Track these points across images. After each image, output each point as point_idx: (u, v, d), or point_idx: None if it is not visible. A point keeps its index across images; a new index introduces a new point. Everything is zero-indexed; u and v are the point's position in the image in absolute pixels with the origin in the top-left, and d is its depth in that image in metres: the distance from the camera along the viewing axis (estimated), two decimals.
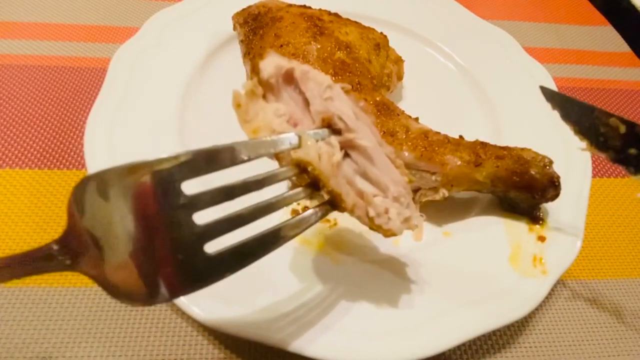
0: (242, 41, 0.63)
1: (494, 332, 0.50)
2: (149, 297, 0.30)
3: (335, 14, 0.64)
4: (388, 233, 0.40)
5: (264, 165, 0.37)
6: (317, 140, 0.38)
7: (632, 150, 0.45)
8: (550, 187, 0.51)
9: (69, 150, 0.60)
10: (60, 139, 0.61)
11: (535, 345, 0.50)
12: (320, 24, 0.59)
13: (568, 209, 0.55)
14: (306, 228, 0.36)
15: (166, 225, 0.29)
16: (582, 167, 0.59)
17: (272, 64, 0.41)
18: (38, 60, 0.69)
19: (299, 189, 0.37)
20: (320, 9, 0.64)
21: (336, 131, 0.40)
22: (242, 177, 0.34)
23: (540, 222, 0.54)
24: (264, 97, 0.41)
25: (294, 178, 0.37)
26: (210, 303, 0.43)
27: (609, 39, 0.91)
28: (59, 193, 0.55)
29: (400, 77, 0.67)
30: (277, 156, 0.41)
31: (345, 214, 0.39)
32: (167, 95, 0.61)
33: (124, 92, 0.59)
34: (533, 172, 0.51)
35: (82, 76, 0.68)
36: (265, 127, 0.39)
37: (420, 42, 0.77)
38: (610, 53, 0.88)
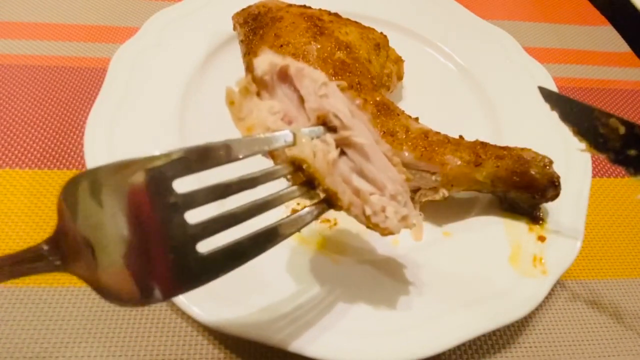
0: (242, 41, 0.63)
1: (494, 332, 0.50)
2: (141, 297, 0.29)
3: (335, 14, 0.64)
4: (385, 232, 0.39)
5: (259, 164, 0.36)
6: (312, 138, 0.38)
7: (632, 151, 0.45)
8: (550, 187, 0.51)
9: (69, 150, 0.60)
10: (60, 139, 0.61)
11: (535, 345, 0.50)
12: (320, 24, 0.59)
13: (568, 209, 0.55)
14: (301, 227, 0.36)
15: (157, 224, 0.29)
16: (582, 167, 0.59)
17: (266, 61, 0.41)
18: (38, 60, 0.69)
19: (294, 187, 0.37)
20: (320, 9, 0.64)
21: (332, 129, 0.40)
22: (237, 175, 0.33)
23: (540, 222, 0.54)
24: (258, 94, 0.40)
25: (288, 176, 0.37)
26: (210, 303, 0.43)
27: (609, 39, 0.91)
28: (59, 193, 0.55)
29: (400, 77, 0.67)
30: (271, 154, 0.40)
31: (344, 214, 0.39)
32: (167, 95, 0.61)
33: (124, 92, 0.59)
34: (533, 172, 0.51)
35: (82, 76, 0.68)
36: (259, 124, 0.39)
37: (420, 42, 0.77)
38: (610, 53, 0.88)
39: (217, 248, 0.31)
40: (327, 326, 0.43)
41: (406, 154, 0.51)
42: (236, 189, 0.32)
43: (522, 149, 0.53)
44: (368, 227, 0.40)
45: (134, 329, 0.46)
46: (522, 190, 0.52)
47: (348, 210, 0.38)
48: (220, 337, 0.47)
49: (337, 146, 0.39)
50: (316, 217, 0.37)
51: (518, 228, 0.54)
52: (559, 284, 0.55)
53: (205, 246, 0.30)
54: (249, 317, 0.43)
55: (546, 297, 0.48)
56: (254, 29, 0.62)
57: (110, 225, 0.28)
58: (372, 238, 0.52)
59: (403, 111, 0.55)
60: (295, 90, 0.41)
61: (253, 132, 0.38)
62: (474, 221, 0.55)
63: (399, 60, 0.67)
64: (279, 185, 0.36)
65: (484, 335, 0.49)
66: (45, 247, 0.28)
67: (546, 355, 0.49)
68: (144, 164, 0.29)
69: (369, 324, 0.44)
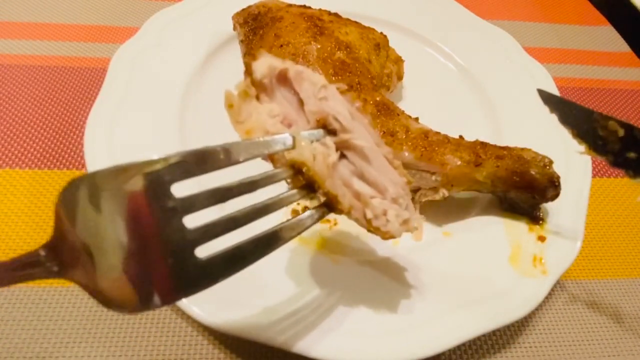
0: (242, 41, 0.63)
1: (494, 332, 0.50)
2: (140, 303, 0.28)
3: (335, 14, 0.64)
4: (386, 235, 0.39)
5: (259, 168, 0.36)
6: (311, 141, 0.37)
7: (631, 154, 0.45)
8: (550, 187, 0.51)
9: (69, 150, 0.60)
10: (60, 139, 0.61)
11: (535, 345, 0.50)
12: (320, 24, 0.59)
13: (568, 209, 0.55)
14: (301, 231, 0.35)
15: (156, 229, 0.28)
16: (582, 167, 0.59)
17: (265, 64, 0.40)
18: (38, 60, 0.69)
19: (294, 191, 0.36)
20: (320, 9, 0.64)
21: (331, 132, 0.40)
22: (236, 179, 0.33)
23: (540, 222, 0.54)
24: (257, 98, 0.40)
25: (288, 180, 0.37)
26: (210, 304, 0.43)
27: (609, 39, 0.91)
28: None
29: (400, 77, 0.67)
30: (271, 158, 0.40)
31: (344, 216, 0.39)
32: (167, 95, 0.61)
33: (124, 92, 0.59)
34: (533, 172, 0.51)
35: (82, 76, 0.68)
36: (258, 128, 0.38)
37: (420, 42, 0.77)
38: (610, 53, 0.88)
39: (216, 253, 0.30)
40: (326, 326, 0.43)
41: (406, 154, 0.51)
42: (235, 192, 0.32)
43: (522, 149, 0.53)
44: (369, 230, 0.39)
45: (134, 329, 0.46)
46: (522, 190, 0.52)
47: (349, 214, 0.38)
48: (220, 337, 0.47)
49: (337, 149, 0.39)
50: (316, 221, 0.37)
51: (518, 228, 0.54)
52: (559, 284, 0.55)
53: (204, 251, 0.30)
54: (249, 318, 0.43)
55: (546, 297, 0.48)
56: (254, 29, 0.62)
57: (108, 231, 0.28)
58: (372, 238, 0.52)
59: (403, 111, 0.55)
60: (294, 93, 0.41)
61: (252, 135, 0.38)
62: (474, 221, 0.55)
63: (399, 60, 0.67)
64: (279, 188, 0.36)
65: (484, 335, 0.49)
66: (43, 253, 0.28)
67: (546, 355, 0.50)
68: (142, 168, 0.28)
69: (368, 324, 0.44)
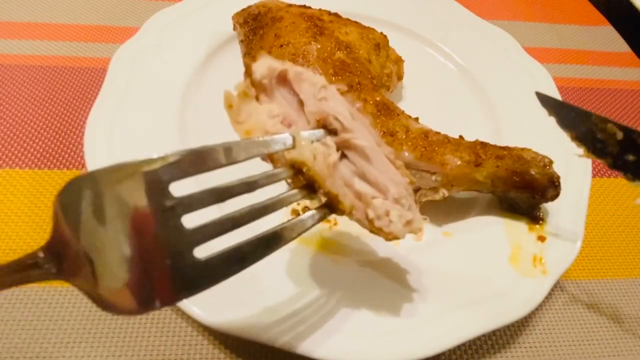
0: (242, 41, 0.63)
1: (494, 332, 0.50)
2: (138, 305, 0.28)
3: (335, 14, 0.64)
4: (389, 236, 0.38)
5: (259, 169, 0.36)
6: (312, 141, 0.37)
7: (630, 157, 0.45)
8: (550, 187, 0.51)
9: (69, 150, 0.60)
10: (60, 139, 0.61)
11: (535, 345, 0.50)
12: (320, 24, 0.59)
13: (568, 209, 0.55)
14: (302, 232, 0.35)
15: (154, 228, 0.28)
16: (582, 167, 0.59)
17: (264, 65, 0.40)
18: (38, 60, 0.69)
19: (295, 191, 0.36)
20: (320, 9, 0.64)
21: (332, 132, 0.39)
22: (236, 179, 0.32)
23: (540, 222, 0.54)
24: (257, 98, 0.40)
25: (289, 180, 0.36)
26: (211, 304, 0.43)
27: (609, 39, 0.91)
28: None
29: (400, 77, 0.67)
30: (271, 158, 0.39)
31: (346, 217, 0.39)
32: (167, 95, 0.61)
33: (124, 92, 0.59)
34: (533, 172, 0.51)
35: (82, 76, 0.68)
36: (258, 128, 0.38)
37: (420, 42, 0.77)
38: (610, 53, 0.88)
39: (215, 253, 0.30)
40: (326, 326, 0.43)
41: (406, 154, 0.51)
42: (234, 192, 0.32)
43: (522, 149, 0.53)
44: (372, 231, 0.39)
45: (134, 329, 0.46)
46: (522, 190, 0.52)
47: (350, 215, 0.38)
48: (220, 337, 0.47)
49: (337, 149, 0.39)
50: (317, 222, 0.36)
51: (518, 228, 0.54)
52: (559, 284, 0.55)
53: (204, 251, 0.30)
54: (249, 318, 0.43)
55: (546, 297, 0.48)
56: (254, 29, 0.62)
57: (106, 231, 0.27)
58: (372, 239, 0.52)
59: (403, 111, 0.55)
60: (294, 94, 0.41)
61: (252, 135, 0.38)
62: (474, 221, 0.55)
63: (399, 60, 0.67)
64: (279, 189, 0.36)
65: (484, 335, 0.49)
66: (41, 255, 0.28)
67: (546, 355, 0.50)
68: (140, 167, 0.28)
69: (368, 324, 0.44)
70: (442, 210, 0.55)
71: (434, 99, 0.70)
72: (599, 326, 0.52)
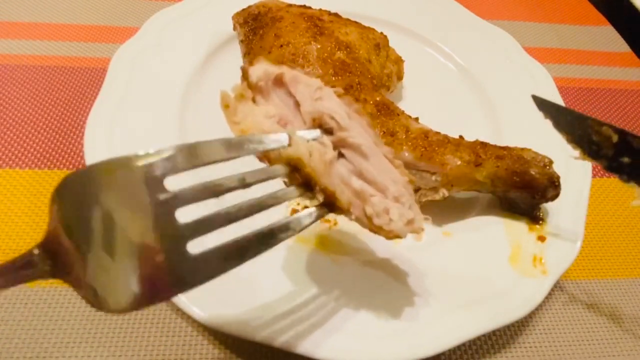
0: (242, 41, 0.63)
1: (494, 332, 0.50)
2: (130, 301, 0.27)
3: (335, 14, 0.64)
4: (390, 235, 0.38)
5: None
6: (308, 141, 0.37)
7: (625, 159, 0.45)
8: (550, 187, 0.51)
9: (69, 150, 0.60)
10: (60, 139, 0.61)
11: (535, 345, 0.50)
12: (320, 24, 0.59)
13: (568, 209, 0.55)
14: (299, 231, 0.34)
15: (147, 223, 0.28)
16: (582, 167, 0.59)
17: (261, 68, 0.40)
18: (38, 60, 0.69)
19: (292, 188, 0.36)
20: (320, 9, 0.64)
21: (328, 131, 0.39)
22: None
23: (540, 222, 0.54)
24: (254, 100, 0.40)
25: (285, 179, 0.36)
26: (211, 304, 0.43)
27: (609, 39, 0.91)
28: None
29: (400, 77, 0.67)
30: (267, 157, 0.39)
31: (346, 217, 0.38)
32: (167, 95, 0.61)
33: (124, 92, 0.59)
34: (533, 172, 0.51)
35: (82, 76, 0.68)
36: (254, 128, 0.38)
37: (420, 42, 0.77)
38: (610, 53, 0.88)
39: (209, 249, 0.30)
40: (326, 326, 0.43)
41: (406, 154, 0.51)
42: (229, 187, 0.31)
43: (522, 149, 0.53)
44: (371, 230, 0.38)
45: (134, 329, 0.46)
46: (522, 190, 0.52)
47: (348, 212, 0.37)
48: (220, 337, 0.47)
49: (334, 148, 0.39)
50: (315, 220, 0.36)
51: (518, 228, 0.54)
52: (559, 284, 0.55)
53: (199, 247, 0.29)
54: (249, 318, 0.43)
55: (546, 297, 0.48)
56: (254, 29, 0.62)
57: (99, 225, 0.27)
58: (372, 238, 0.52)
59: (403, 111, 0.55)
60: (290, 95, 0.41)
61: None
62: (474, 221, 0.55)
63: (399, 60, 0.67)
64: (277, 187, 0.36)
65: (484, 335, 0.49)
66: (36, 252, 0.27)
67: (546, 355, 0.50)
68: (135, 161, 0.28)
69: (368, 324, 0.44)
70: (442, 210, 0.55)
71: (434, 99, 0.70)
72: (599, 326, 0.52)
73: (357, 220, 0.38)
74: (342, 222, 0.53)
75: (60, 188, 0.27)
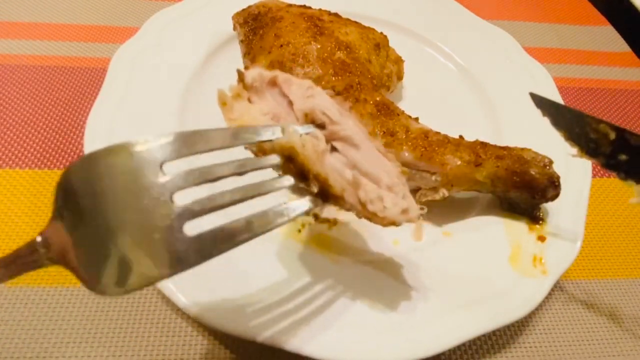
0: (242, 41, 0.63)
1: (494, 332, 0.50)
2: (130, 281, 0.28)
3: (335, 14, 0.64)
4: (384, 222, 0.38)
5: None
6: (300, 135, 0.37)
7: (622, 156, 0.45)
8: (550, 187, 0.51)
9: (69, 150, 0.60)
10: (60, 139, 0.61)
11: (535, 345, 0.50)
12: (320, 24, 0.59)
13: (568, 209, 0.55)
14: (292, 218, 0.35)
15: (144, 203, 0.29)
16: (582, 167, 0.59)
17: (256, 71, 0.42)
18: (38, 60, 0.69)
19: (287, 176, 0.37)
20: (320, 9, 0.64)
21: (320, 126, 0.40)
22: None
23: (540, 222, 0.54)
24: (249, 100, 0.41)
25: (280, 172, 0.37)
26: (210, 303, 0.43)
27: (609, 39, 0.91)
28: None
29: (400, 77, 0.67)
30: (262, 150, 0.39)
31: (343, 214, 0.39)
32: (167, 95, 0.61)
33: (124, 92, 0.59)
34: (533, 172, 0.51)
35: (82, 76, 0.68)
36: (250, 124, 0.39)
37: (420, 42, 0.77)
38: (610, 53, 0.88)
39: (204, 231, 0.31)
40: (326, 326, 0.43)
41: (406, 154, 0.51)
42: (224, 173, 0.33)
43: (522, 149, 0.53)
44: (367, 217, 0.39)
45: (134, 329, 0.46)
46: (522, 190, 0.52)
47: (342, 200, 0.38)
48: (220, 337, 0.47)
49: (327, 142, 0.39)
50: (309, 209, 0.36)
51: (518, 228, 0.54)
52: (559, 284, 0.55)
53: (192, 229, 0.30)
54: (249, 318, 0.43)
55: (546, 297, 0.48)
56: (254, 29, 0.62)
57: (100, 207, 0.29)
58: (372, 238, 0.52)
59: (403, 111, 0.55)
60: (284, 96, 0.42)
61: None
62: (474, 221, 0.55)
63: (399, 60, 0.67)
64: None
65: (484, 335, 0.49)
66: (39, 240, 0.29)
67: (546, 355, 0.50)
68: (133, 147, 0.30)
69: (368, 324, 0.44)
70: (442, 210, 0.55)
71: (434, 99, 0.70)
72: (599, 326, 0.52)
73: (351, 208, 0.38)
74: (342, 223, 0.53)
75: (65, 175, 0.29)
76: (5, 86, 0.65)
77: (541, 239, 0.52)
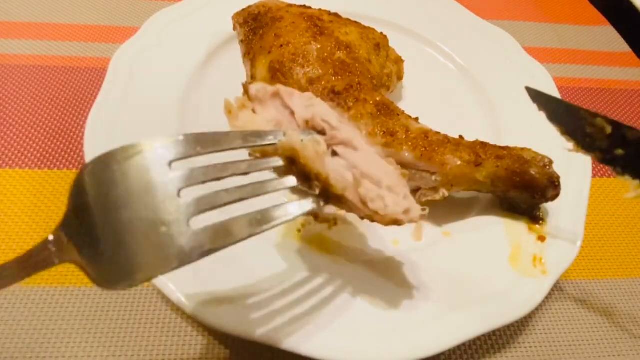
0: (242, 41, 0.63)
1: (494, 332, 0.50)
2: (133, 274, 0.30)
3: (335, 14, 0.64)
4: (386, 219, 0.39)
5: None
6: (302, 140, 0.39)
7: (619, 151, 0.45)
8: (550, 187, 0.51)
9: (69, 150, 0.60)
10: (60, 139, 0.61)
11: (535, 345, 0.50)
12: (320, 24, 0.59)
13: (568, 209, 0.55)
14: (295, 216, 0.36)
15: (153, 198, 0.31)
16: (582, 167, 0.59)
17: (259, 85, 0.44)
18: (38, 60, 0.69)
19: (291, 177, 0.38)
20: (320, 9, 0.64)
21: (321, 133, 0.42)
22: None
23: (540, 222, 0.54)
24: (253, 111, 0.44)
25: (282, 175, 0.38)
26: (210, 303, 0.43)
27: (609, 39, 0.91)
28: (59, 193, 0.55)
29: (400, 77, 0.67)
30: (264, 154, 0.41)
31: (343, 214, 0.39)
32: (167, 96, 0.61)
33: (124, 92, 0.59)
34: (533, 172, 0.51)
35: (82, 76, 0.68)
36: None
37: (420, 42, 0.77)
38: (610, 53, 0.88)
39: (208, 225, 0.32)
40: (326, 325, 0.43)
41: (406, 154, 0.51)
42: (229, 173, 0.34)
43: (522, 149, 0.53)
44: (368, 216, 0.39)
45: (134, 329, 0.46)
46: (522, 190, 0.52)
47: (343, 199, 0.38)
48: (220, 337, 0.47)
49: (327, 147, 0.40)
50: (310, 209, 0.37)
51: (518, 228, 0.54)
52: (559, 284, 0.55)
53: (197, 224, 0.32)
54: (250, 319, 0.43)
55: (546, 297, 0.48)
56: (254, 29, 0.62)
57: (111, 206, 0.30)
58: (372, 238, 0.52)
59: (403, 111, 0.55)
60: (286, 107, 0.44)
61: None
62: (474, 221, 0.55)
63: (399, 60, 0.67)
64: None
65: (484, 335, 0.49)
66: (51, 238, 0.30)
67: (546, 355, 0.50)
68: (144, 147, 0.32)
69: (369, 324, 0.44)
70: (442, 210, 0.55)
71: (434, 99, 0.70)
72: (599, 326, 0.52)
73: (353, 208, 0.39)
74: (342, 223, 0.53)
75: (79, 174, 0.31)
76: (5, 86, 0.65)
77: (541, 239, 0.52)
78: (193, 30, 0.69)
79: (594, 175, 0.66)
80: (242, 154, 0.38)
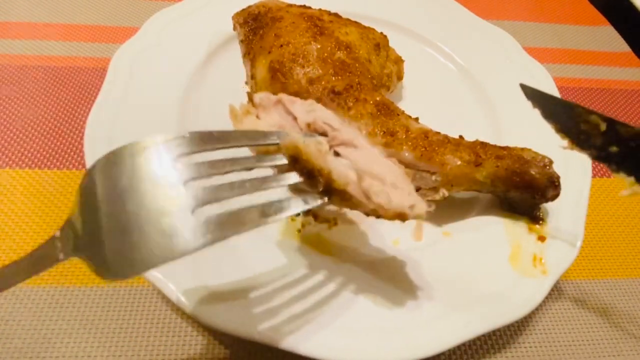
0: (242, 41, 0.63)
1: (494, 332, 0.50)
2: (137, 263, 0.30)
3: (335, 14, 0.64)
4: (390, 213, 0.38)
5: None
6: (304, 140, 0.39)
7: (613, 148, 0.44)
8: (550, 187, 0.51)
9: (69, 150, 0.60)
10: (60, 139, 0.61)
11: (535, 345, 0.50)
12: (320, 24, 0.59)
13: (568, 209, 0.55)
14: (297, 210, 0.36)
15: (158, 191, 0.32)
16: (582, 167, 0.59)
17: (263, 94, 0.46)
18: (38, 60, 0.69)
19: (294, 173, 0.38)
20: (320, 9, 0.64)
21: (322, 135, 0.43)
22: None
23: (540, 222, 0.54)
24: (257, 117, 0.44)
25: (286, 171, 0.39)
26: (209, 303, 0.43)
27: (609, 39, 0.91)
28: (59, 193, 0.55)
29: (400, 77, 0.67)
30: (267, 153, 0.41)
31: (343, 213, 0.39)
32: (167, 95, 0.61)
33: (124, 92, 0.59)
34: (533, 172, 0.51)
35: (82, 76, 0.68)
36: None
37: (420, 42, 0.77)
38: (610, 53, 0.88)
39: (211, 215, 0.32)
40: (326, 325, 0.43)
41: (406, 154, 0.51)
42: (232, 168, 0.35)
43: (522, 149, 0.53)
44: (372, 212, 0.39)
45: (134, 329, 0.46)
46: (522, 190, 0.52)
47: (347, 195, 0.38)
48: (220, 337, 0.47)
49: (329, 147, 0.41)
50: (312, 205, 0.37)
51: (518, 228, 0.54)
52: (559, 284, 0.55)
53: (200, 215, 0.33)
54: (248, 317, 0.43)
55: (546, 297, 0.48)
56: (254, 29, 0.62)
57: (118, 199, 0.31)
58: (372, 238, 0.52)
59: (403, 111, 0.55)
60: (289, 113, 0.45)
61: None
62: (474, 221, 0.55)
63: (399, 60, 0.67)
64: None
65: (484, 335, 0.49)
66: (58, 234, 0.31)
67: (546, 355, 0.50)
68: (154, 141, 0.34)
69: (368, 324, 0.44)
70: (442, 210, 0.54)
71: (434, 99, 0.70)
72: (599, 326, 0.52)
73: (357, 203, 0.39)
74: (342, 223, 0.53)
75: (89, 171, 0.32)
76: (6, 86, 0.65)
77: (541, 239, 0.52)
78: (193, 30, 0.69)
79: (593, 175, 0.66)
80: (246, 153, 0.38)
